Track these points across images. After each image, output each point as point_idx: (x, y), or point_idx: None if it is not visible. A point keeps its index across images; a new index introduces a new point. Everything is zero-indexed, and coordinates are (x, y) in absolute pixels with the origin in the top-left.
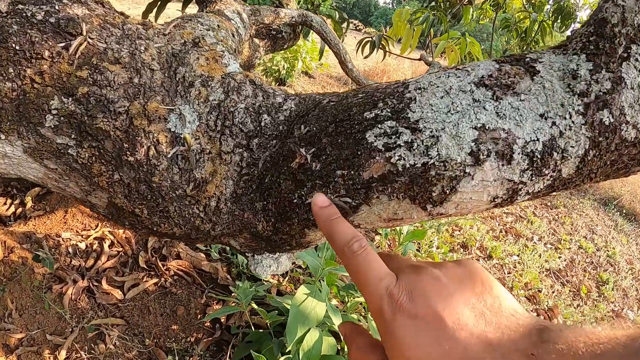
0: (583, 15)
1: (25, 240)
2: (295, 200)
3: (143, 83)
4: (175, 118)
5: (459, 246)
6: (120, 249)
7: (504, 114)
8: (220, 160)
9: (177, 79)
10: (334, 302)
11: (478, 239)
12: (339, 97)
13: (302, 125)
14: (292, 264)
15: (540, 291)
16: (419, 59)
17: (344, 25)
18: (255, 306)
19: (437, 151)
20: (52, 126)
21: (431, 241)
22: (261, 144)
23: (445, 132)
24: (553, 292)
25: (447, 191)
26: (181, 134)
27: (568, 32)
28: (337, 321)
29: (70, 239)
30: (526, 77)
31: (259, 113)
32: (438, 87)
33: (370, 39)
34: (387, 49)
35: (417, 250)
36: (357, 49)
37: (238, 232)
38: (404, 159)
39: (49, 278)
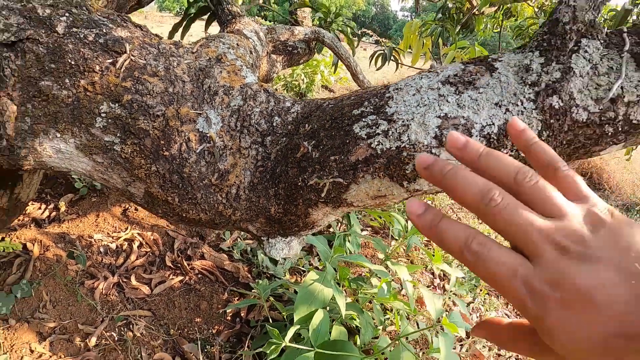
0: None
1: (59, 240)
2: (299, 184)
3: (176, 92)
4: (202, 120)
5: None
6: (148, 249)
7: (463, 105)
8: (239, 155)
9: (203, 88)
10: (349, 300)
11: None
12: (337, 100)
13: (306, 124)
14: (303, 248)
15: None
16: (430, 69)
17: (356, 39)
18: (273, 300)
19: (408, 136)
20: (101, 127)
21: None
22: (273, 141)
23: (414, 121)
24: None
25: None
26: (207, 133)
27: None
28: (341, 304)
29: (102, 240)
30: (486, 74)
31: (271, 115)
32: (412, 86)
33: (381, 51)
34: (399, 61)
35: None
36: (371, 62)
37: (255, 217)
38: (382, 144)
39: (82, 274)
